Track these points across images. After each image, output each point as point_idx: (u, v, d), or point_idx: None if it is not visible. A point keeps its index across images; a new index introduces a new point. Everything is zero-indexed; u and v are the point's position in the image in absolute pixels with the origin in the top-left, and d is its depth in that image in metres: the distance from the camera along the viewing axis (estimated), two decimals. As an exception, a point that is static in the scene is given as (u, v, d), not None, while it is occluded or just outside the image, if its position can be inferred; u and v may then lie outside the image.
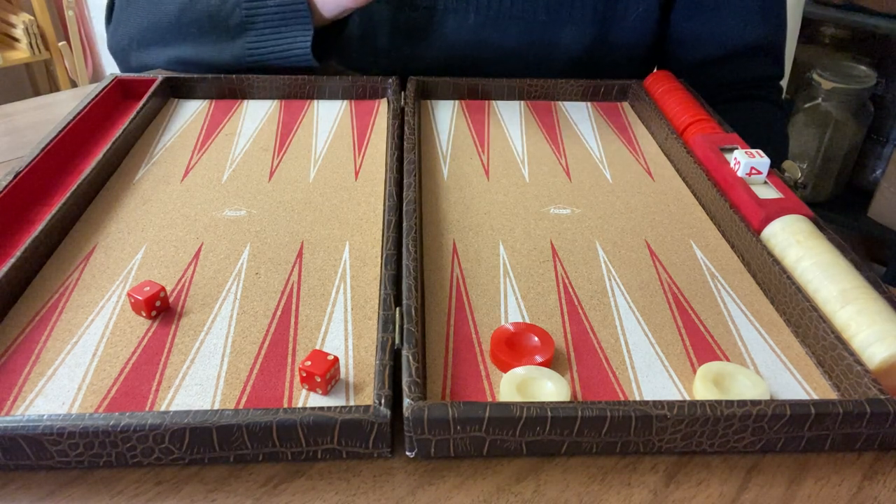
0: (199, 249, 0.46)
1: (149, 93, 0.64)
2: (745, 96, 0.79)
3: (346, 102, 0.68)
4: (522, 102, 0.70)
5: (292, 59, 0.68)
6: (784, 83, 0.85)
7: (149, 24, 0.73)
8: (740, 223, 0.47)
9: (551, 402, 0.32)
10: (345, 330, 0.40)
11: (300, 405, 0.35)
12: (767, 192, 0.50)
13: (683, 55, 0.78)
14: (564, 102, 0.70)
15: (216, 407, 0.35)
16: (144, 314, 0.40)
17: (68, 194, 0.48)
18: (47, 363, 0.37)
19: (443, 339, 0.39)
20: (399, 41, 0.77)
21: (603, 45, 0.75)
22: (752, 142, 0.55)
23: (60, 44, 2.09)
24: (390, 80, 0.68)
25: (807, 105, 1.61)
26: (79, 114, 0.59)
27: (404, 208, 0.47)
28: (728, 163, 0.53)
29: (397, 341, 0.36)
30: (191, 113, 0.66)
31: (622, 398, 0.36)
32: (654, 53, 0.81)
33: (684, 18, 0.76)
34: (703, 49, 0.77)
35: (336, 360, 0.35)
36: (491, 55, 0.76)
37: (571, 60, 0.76)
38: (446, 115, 0.66)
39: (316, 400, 0.35)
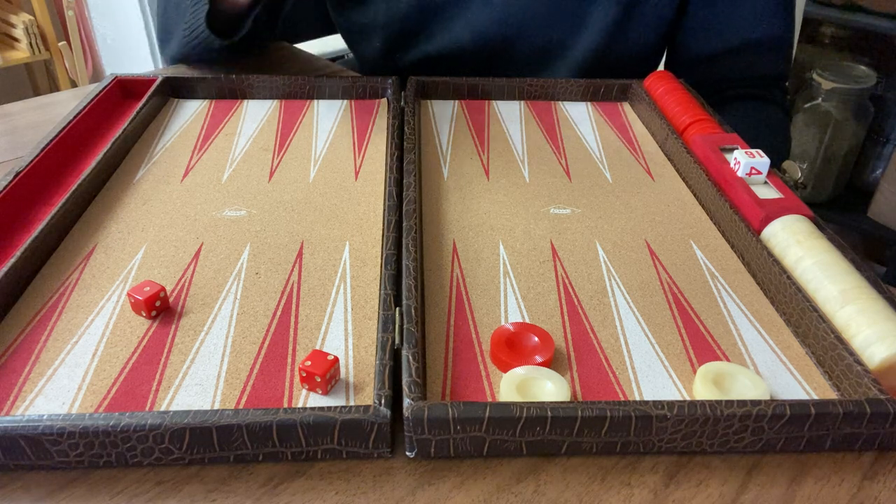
0: (199, 249, 0.46)
1: (149, 93, 0.64)
2: (750, 96, 0.79)
3: (346, 102, 0.68)
4: (522, 102, 0.70)
5: (199, 34, 0.71)
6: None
7: (157, 23, 0.77)
8: (740, 223, 0.47)
9: (551, 402, 0.32)
10: (345, 330, 0.40)
11: (300, 405, 0.35)
12: (767, 192, 0.50)
13: (694, 45, 0.79)
14: (564, 102, 0.70)
15: (216, 407, 0.35)
16: (144, 314, 0.40)
17: (68, 194, 0.48)
18: (47, 363, 0.37)
19: (443, 339, 0.39)
20: (426, 22, 0.77)
21: (625, 28, 0.76)
22: (756, 143, 0.55)
23: (60, 44, 2.09)
24: (390, 80, 0.68)
25: (807, 105, 1.61)
26: (79, 114, 0.59)
27: (404, 208, 0.47)
28: (728, 163, 0.53)
29: (397, 341, 0.36)
30: (191, 113, 0.66)
31: (622, 398, 0.36)
32: (666, 44, 0.81)
33: (701, 6, 0.77)
34: (714, 39, 0.77)
35: (336, 360, 0.35)
36: (516, 33, 0.76)
37: (594, 41, 0.76)
38: (446, 115, 0.66)
39: (316, 400, 0.35)
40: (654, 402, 0.33)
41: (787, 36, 0.79)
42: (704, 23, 0.77)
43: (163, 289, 0.40)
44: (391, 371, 0.35)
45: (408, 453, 0.33)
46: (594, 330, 0.40)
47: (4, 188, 0.48)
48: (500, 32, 0.76)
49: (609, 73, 0.77)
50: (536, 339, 0.38)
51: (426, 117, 0.66)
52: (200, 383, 0.36)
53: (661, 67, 0.84)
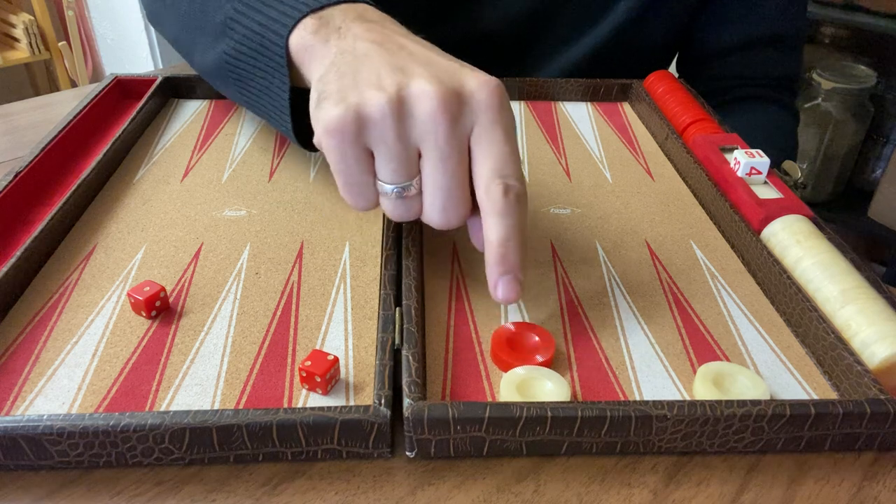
0: (199, 249, 0.46)
1: (149, 93, 0.64)
2: (759, 97, 0.79)
3: (346, 102, 0.68)
4: (522, 102, 0.70)
5: (273, 96, 0.46)
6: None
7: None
8: (740, 223, 0.47)
9: (551, 402, 0.32)
10: (345, 330, 0.40)
11: (300, 405, 0.35)
12: (767, 192, 0.50)
13: (712, 37, 0.78)
14: (564, 102, 0.70)
15: (216, 407, 0.35)
16: (144, 314, 0.40)
17: (68, 194, 0.48)
18: (47, 363, 0.37)
19: (443, 339, 0.39)
20: (453, 5, 0.77)
21: (656, 6, 0.75)
22: (763, 146, 0.54)
23: (60, 44, 2.09)
24: (390, 80, 0.68)
25: (807, 105, 1.61)
26: (79, 114, 0.59)
27: (404, 208, 0.47)
28: (728, 163, 0.53)
29: (397, 341, 0.36)
30: (191, 113, 0.66)
31: (622, 398, 0.36)
32: (685, 33, 0.81)
33: None
34: (731, 32, 0.77)
35: (336, 360, 0.35)
36: (545, 17, 0.75)
37: (626, 15, 0.75)
38: (446, 115, 0.66)
39: (316, 400, 0.35)
40: (654, 402, 0.33)
41: (802, 35, 0.78)
42: (725, 14, 0.76)
43: (163, 289, 0.40)
44: (391, 371, 0.35)
45: (408, 453, 0.33)
46: (594, 330, 0.40)
47: (4, 188, 0.48)
48: (530, 18, 0.75)
49: (629, 60, 0.76)
50: (537, 338, 0.38)
51: (426, 117, 0.66)
52: (200, 383, 0.36)
53: (673, 62, 0.85)
